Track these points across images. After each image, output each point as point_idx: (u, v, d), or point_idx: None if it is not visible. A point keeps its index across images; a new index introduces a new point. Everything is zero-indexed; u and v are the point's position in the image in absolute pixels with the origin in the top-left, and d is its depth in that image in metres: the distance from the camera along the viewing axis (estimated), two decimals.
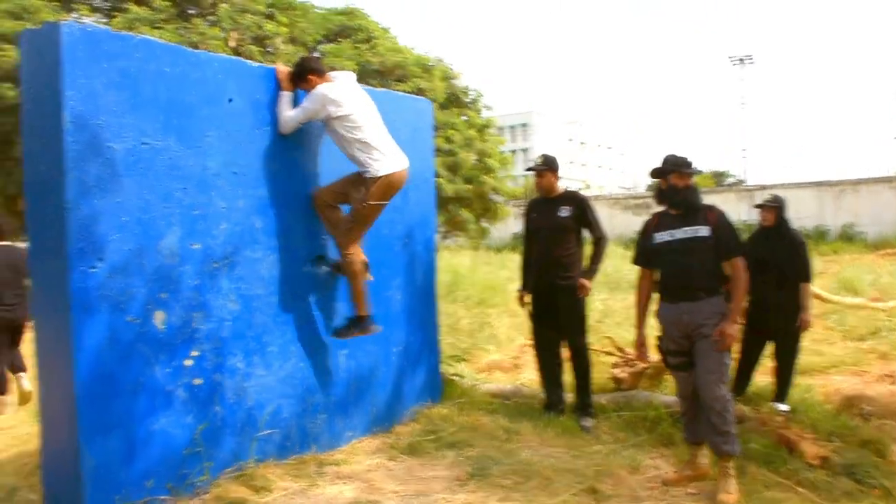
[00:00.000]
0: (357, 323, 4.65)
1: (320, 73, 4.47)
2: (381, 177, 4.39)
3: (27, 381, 6.87)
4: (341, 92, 4.37)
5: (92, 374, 3.45)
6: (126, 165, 3.58)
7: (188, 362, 3.87)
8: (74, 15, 14.66)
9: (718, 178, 62.34)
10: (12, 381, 6.97)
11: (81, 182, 3.40)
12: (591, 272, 5.46)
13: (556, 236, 5.40)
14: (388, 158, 4.46)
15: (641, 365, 5.89)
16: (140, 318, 3.65)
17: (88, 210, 3.43)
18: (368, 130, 4.42)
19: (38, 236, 3.62)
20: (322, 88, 4.34)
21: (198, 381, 3.92)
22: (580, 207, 5.48)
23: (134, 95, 3.62)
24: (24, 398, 6.81)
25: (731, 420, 4.04)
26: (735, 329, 4.17)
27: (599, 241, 5.53)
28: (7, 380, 6.91)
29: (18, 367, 6.99)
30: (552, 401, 5.52)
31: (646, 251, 4.45)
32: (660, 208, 4.50)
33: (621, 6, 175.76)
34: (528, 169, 5.63)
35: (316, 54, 16.87)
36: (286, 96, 4.39)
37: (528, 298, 5.67)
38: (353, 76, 4.74)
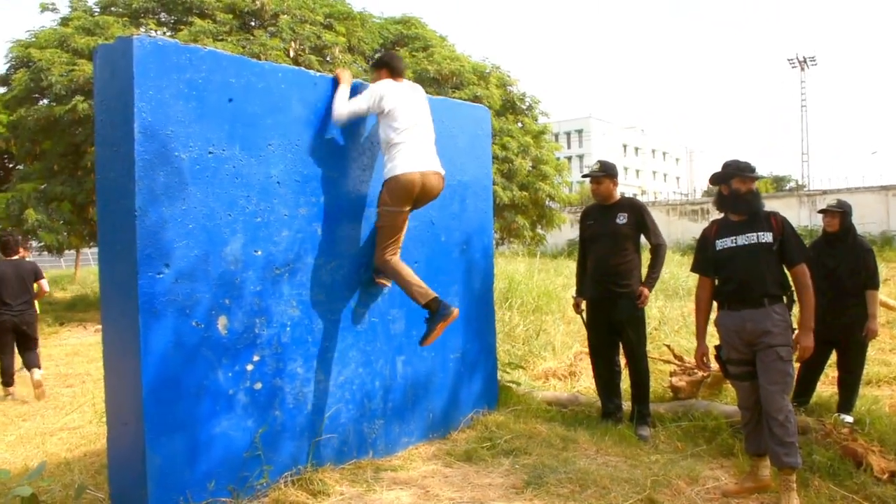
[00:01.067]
0: (433, 316, 4.39)
1: (393, 72, 4.57)
2: (391, 178, 4.33)
3: (39, 374, 7.81)
4: (393, 91, 4.42)
5: (158, 376, 3.54)
6: (192, 174, 3.67)
7: (249, 367, 3.94)
8: (142, 29, 15.10)
9: (778, 182, 60.88)
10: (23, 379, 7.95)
11: (150, 190, 3.50)
12: (650, 280, 5.39)
13: (614, 243, 5.35)
14: (406, 160, 4.31)
15: (700, 373, 5.78)
16: (204, 322, 3.72)
17: (156, 217, 3.53)
18: (404, 133, 4.35)
19: (108, 242, 3.73)
20: (377, 84, 4.44)
21: (258, 386, 3.98)
22: (638, 214, 5.42)
23: (201, 105, 3.71)
24: (38, 391, 7.67)
25: (794, 431, 3.94)
26: (811, 340, 4.07)
27: (658, 249, 5.45)
28: (13, 373, 7.94)
29: (32, 364, 7.92)
30: (609, 409, 5.46)
31: (706, 259, 4.38)
32: (719, 215, 4.43)
33: (678, 10, 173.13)
34: (585, 175, 5.57)
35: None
36: (343, 91, 4.42)
37: (583, 305, 5.62)
38: (421, 90, 4.75)
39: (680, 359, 6.30)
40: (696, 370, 5.92)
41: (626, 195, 5.70)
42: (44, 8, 16.28)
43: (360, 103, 4.38)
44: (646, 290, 5.33)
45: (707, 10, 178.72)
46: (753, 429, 4.19)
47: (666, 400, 5.77)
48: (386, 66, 4.61)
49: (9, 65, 15.84)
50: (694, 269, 4.51)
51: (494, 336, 5.92)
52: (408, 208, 4.42)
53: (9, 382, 7.91)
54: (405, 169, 4.30)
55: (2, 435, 6.09)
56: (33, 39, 15.17)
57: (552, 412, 5.62)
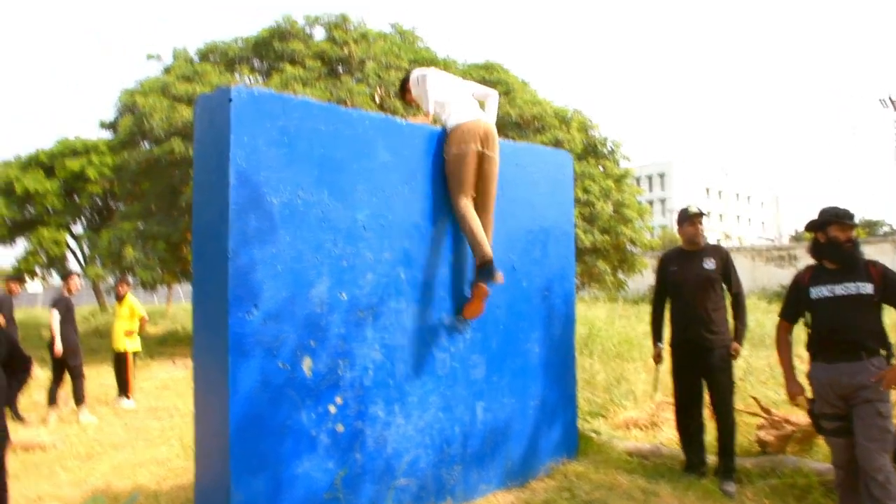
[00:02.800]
0: (482, 271, 4.63)
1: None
2: (454, 126, 4.70)
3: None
4: (427, 70, 5.12)
5: (245, 414, 3.62)
6: (282, 217, 3.79)
7: (332, 408, 3.99)
8: (237, 76, 15.82)
9: (871, 227, 58.27)
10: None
11: (242, 232, 3.63)
12: (740, 334, 5.24)
13: (703, 290, 5.20)
14: (463, 111, 4.78)
15: (789, 427, 5.52)
16: (290, 363, 3.81)
17: (247, 259, 3.65)
18: (445, 93, 4.93)
19: (200, 282, 3.88)
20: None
21: (340, 428, 4.03)
22: (724, 260, 5.29)
23: (291, 151, 3.85)
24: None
25: (895, 493, 3.71)
26: None
27: (739, 297, 5.31)
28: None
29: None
30: (693, 462, 5.27)
31: (797, 305, 4.22)
32: (807, 261, 4.28)
33: (762, 53, 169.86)
34: (696, 214, 5.33)
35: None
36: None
37: (664, 353, 5.49)
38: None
39: (767, 411, 6.03)
40: (783, 424, 5.65)
41: (710, 242, 5.54)
42: (150, 57, 17.30)
43: (421, 96, 5.05)
44: (738, 346, 5.19)
45: (792, 51, 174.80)
46: (848, 489, 3.98)
47: (753, 454, 5.53)
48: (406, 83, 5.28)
49: (117, 111, 16.83)
50: (784, 314, 4.37)
51: (575, 383, 5.83)
52: (474, 146, 4.64)
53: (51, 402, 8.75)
54: (466, 118, 4.72)
55: (97, 464, 6.33)
56: (139, 87, 16.08)
57: (633, 463, 5.47)
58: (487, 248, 4.61)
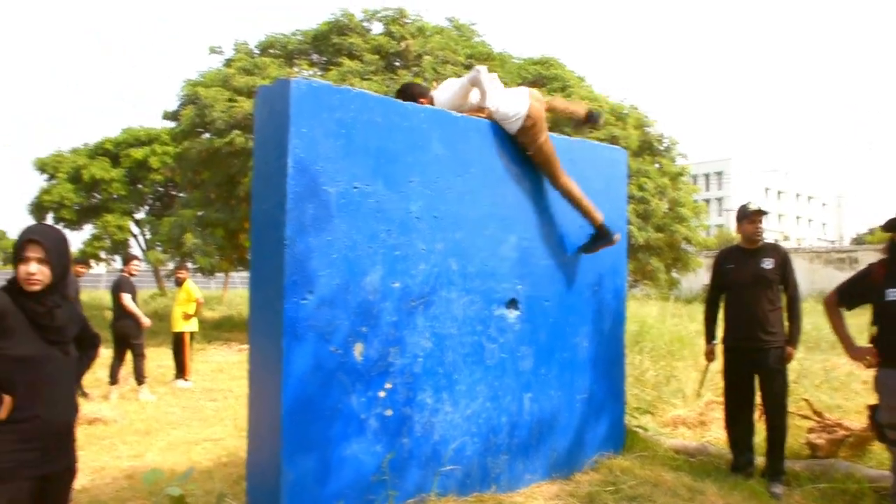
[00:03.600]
0: (598, 236, 5.09)
1: (424, 95, 4.80)
2: (526, 115, 4.67)
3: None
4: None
5: (297, 397, 3.74)
6: (338, 207, 3.89)
7: (381, 394, 4.08)
8: (296, 69, 16.10)
9: None
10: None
11: (299, 221, 3.74)
12: (794, 337, 5.18)
13: (761, 289, 5.14)
14: (519, 98, 4.74)
15: (841, 432, 5.43)
16: (342, 348, 3.91)
17: (303, 246, 3.76)
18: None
19: (258, 268, 4.00)
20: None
21: (389, 413, 4.12)
22: (783, 260, 5.22)
23: (348, 143, 3.95)
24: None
25: None
26: None
27: (795, 300, 5.23)
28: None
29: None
30: (740, 462, 5.22)
31: (861, 297, 4.09)
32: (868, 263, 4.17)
33: (823, 49, 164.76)
34: (748, 213, 5.27)
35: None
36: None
37: (717, 352, 5.44)
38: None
39: (819, 415, 5.93)
40: (836, 428, 5.56)
41: (769, 241, 5.47)
42: (212, 51, 17.75)
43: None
44: (793, 351, 5.13)
45: (855, 47, 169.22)
46: None
47: (802, 457, 5.45)
48: (419, 96, 4.80)
49: (179, 102, 17.32)
50: (842, 297, 4.26)
51: (623, 379, 5.83)
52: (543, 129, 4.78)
53: (113, 381, 9.15)
54: (528, 101, 4.70)
55: (154, 440, 6.58)
56: (201, 79, 16.50)
57: (679, 461, 5.45)
58: (599, 212, 5.05)
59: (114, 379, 9.08)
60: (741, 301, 5.23)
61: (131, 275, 9.57)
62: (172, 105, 18.64)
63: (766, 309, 5.12)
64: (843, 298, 4.20)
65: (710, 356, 5.56)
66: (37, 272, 2.84)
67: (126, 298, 9.14)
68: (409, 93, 4.76)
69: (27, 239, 2.86)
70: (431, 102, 4.72)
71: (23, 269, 2.83)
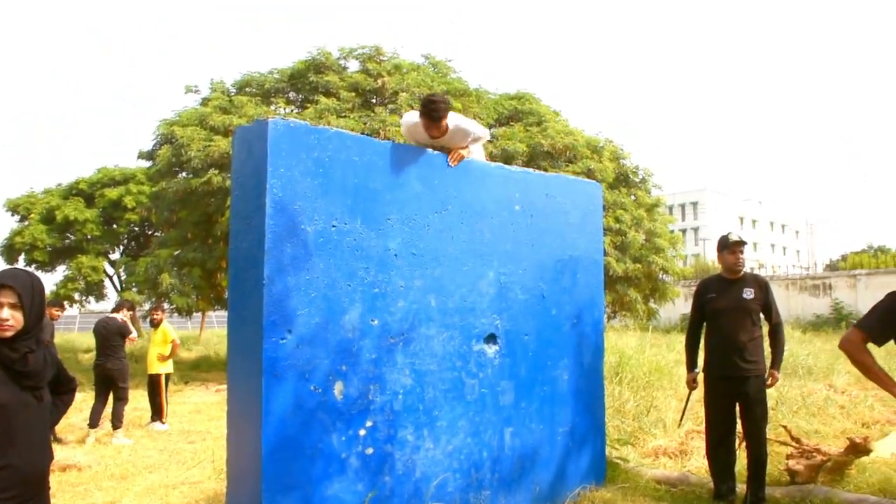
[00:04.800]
0: None
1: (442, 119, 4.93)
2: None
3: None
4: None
5: (277, 436, 3.71)
6: (316, 245, 3.91)
7: (362, 432, 4.07)
8: (273, 107, 16.18)
9: None
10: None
11: (278, 260, 3.75)
12: (777, 362, 5.26)
13: (741, 319, 5.20)
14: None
15: (819, 457, 5.47)
16: (321, 387, 3.90)
17: (282, 286, 3.77)
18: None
19: (236, 307, 3.99)
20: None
21: (370, 451, 4.10)
22: (764, 290, 5.29)
23: (326, 182, 3.98)
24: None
25: None
26: None
27: (778, 328, 5.31)
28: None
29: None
30: (722, 490, 5.24)
31: (890, 329, 3.49)
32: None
33: (793, 78, 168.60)
34: (737, 241, 5.29)
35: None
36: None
37: (698, 379, 5.47)
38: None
39: (798, 441, 5.98)
40: (814, 454, 5.60)
41: (749, 271, 5.55)
42: (188, 90, 17.80)
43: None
44: (776, 374, 5.19)
45: (823, 77, 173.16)
46: None
47: (782, 484, 5.49)
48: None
49: (155, 141, 17.31)
50: (869, 332, 3.52)
51: (604, 411, 5.84)
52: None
53: (93, 425, 8.99)
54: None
55: (130, 484, 6.46)
56: (177, 118, 16.52)
57: (661, 491, 5.46)
58: None
59: (94, 422, 8.95)
60: (722, 330, 5.27)
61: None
62: (148, 145, 18.62)
63: (746, 338, 5.17)
64: (874, 335, 3.73)
65: (691, 385, 5.59)
66: (9, 318, 2.80)
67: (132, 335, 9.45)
68: (436, 111, 4.62)
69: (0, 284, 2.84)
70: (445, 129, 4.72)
71: None
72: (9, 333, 2.81)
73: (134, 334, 9.35)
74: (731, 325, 5.22)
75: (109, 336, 9.18)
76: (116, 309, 9.85)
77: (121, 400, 9.10)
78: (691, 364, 5.59)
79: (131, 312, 9.89)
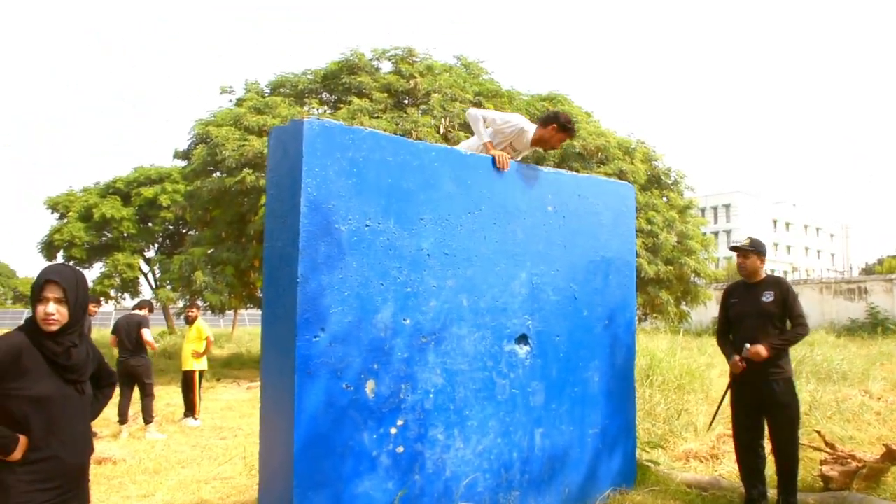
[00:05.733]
0: None
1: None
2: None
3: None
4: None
5: (309, 434, 3.75)
6: (350, 245, 3.95)
7: (393, 430, 4.09)
8: (306, 108, 16.31)
9: None
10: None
11: (312, 259, 3.79)
12: (777, 344, 5.07)
13: (761, 323, 5.14)
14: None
15: (854, 464, 5.38)
16: (353, 385, 3.93)
17: (316, 284, 3.80)
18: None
19: (271, 305, 4.04)
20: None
21: (400, 449, 4.12)
22: (784, 293, 5.20)
23: (360, 182, 4.01)
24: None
25: None
26: None
27: (795, 327, 5.16)
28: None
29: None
30: (753, 496, 5.17)
31: None
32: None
33: (826, 81, 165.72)
34: (733, 248, 5.40)
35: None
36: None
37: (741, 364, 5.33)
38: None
39: (832, 447, 5.89)
40: (848, 460, 5.51)
41: (775, 272, 5.47)
42: (223, 91, 18.02)
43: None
44: (762, 349, 5.02)
45: (859, 79, 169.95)
46: None
47: (816, 490, 5.41)
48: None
49: (191, 141, 17.55)
50: None
51: (634, 413, 5.81)
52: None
53: (123, 421, 9.13)
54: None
55: (164, 479, 6.56)
56: (212, 118, 16.73)
57: (692, 495, 5.41)
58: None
59: (123, 418, 9.10)
60: (744, 335, 5.23)
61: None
62: (183, 144, 18.89)
63: (767, 342, 5.11)
64: None
65: (736, 366, 5.26)
66: (54, 312, 2.88)
67: (147, 333, 9.37)
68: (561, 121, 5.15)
69: (46, 279, 2.91)
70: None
71: (41, 309, 2.87)
72: (54, 327, 2.89)
73: (150, 338, 9.44)
74: (752, 330, 5.17)
75: (131, 331, 9.34)
76: (139, 307, 10.03)
77: (148, 396, 9.26)
78: (730, 353, 5.36)
79: (150, 313, 10.02)
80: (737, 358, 5.33)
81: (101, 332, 28.93)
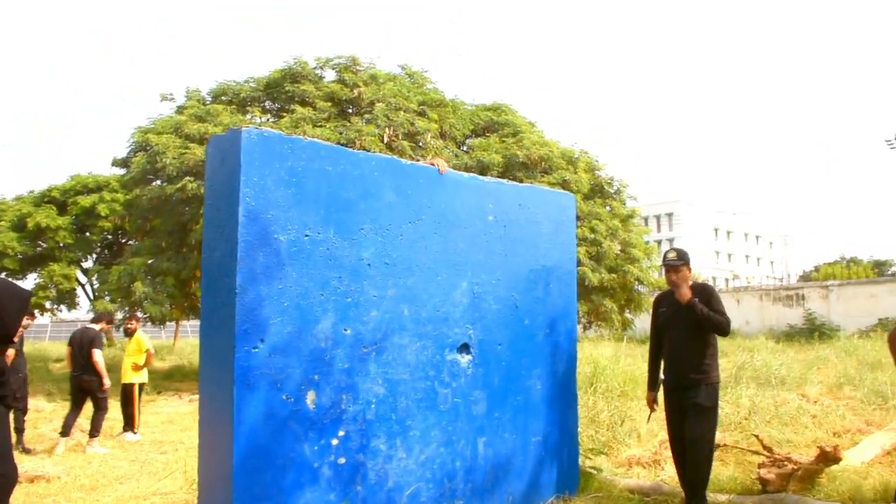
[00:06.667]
0: None
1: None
2: None
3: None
4: None
5: (249, 446, 3.70)
6: (289, 255, 3.91)
7: (334, 441, 4.06)
8: (248, 116, 16.13)
9: (880, 267, 58.15)
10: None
11: (250, 269, 3.75)
12: (703, 309, 5.16)
13: (689, 331, 5.23)
14: None
15: (790, 466, 5.53)
16: (294, 396, 3.89)
17: (255, 295, 3.76)
18: None
19: (209, 316, 3.98)
20: None
21: (342, 461, 4.09)
22: (705, 295, 5.28)
23: (299, 191, 3.99)
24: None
25: None
26: None
27: (722, 316, 5.24)
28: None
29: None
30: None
31: None
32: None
33: (766, 90, 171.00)
34: (664, 264, 5.44)
35: (464, 148, 17.55)
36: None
37: (658, 399, 5.51)
38: None
39: (769, 450, 6.06)
40: (785, 462, 5.68)
41: (714, 280, 5.56)
42: (163, 98, 17.69)
43: None
44: (686, 293, 5.19)
45: (799, 90, 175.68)
46: None
47: (754, 493, 5.55)
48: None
49: (130, 149, 17.17)
50: None
51: (577, 421, 5.88)
52: None
53: (65, 433, 8.90)
54: None
55: (100, 496, 6.38)
56: (152, 126, 16.41)
57: (634, 500, 5.49)
58: None
59: (66, 431, 8.86)
60: (674, 342, 5.34)
61: (105, 330, 9.71)
62: (122, 152, 18.48)
63: (696, 349, 5.22)
64: None
65: (652, 405, 5.61)
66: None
67: (97, 355, 9.08)
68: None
69: (30, 294, 2.87)
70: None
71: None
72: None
73: (100, 360, 9.19)
74: (681, 337, 5.28)
75: (84, 347, 9.09)
76: (96, 320, 9.78)
77: (101, 410, 9.06)
78: (652, 382, 5.59)
79: (110, 325, 9.78)
80: (651, 395, 5.49)
81: (34, 345, 27.97)
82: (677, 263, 5.34)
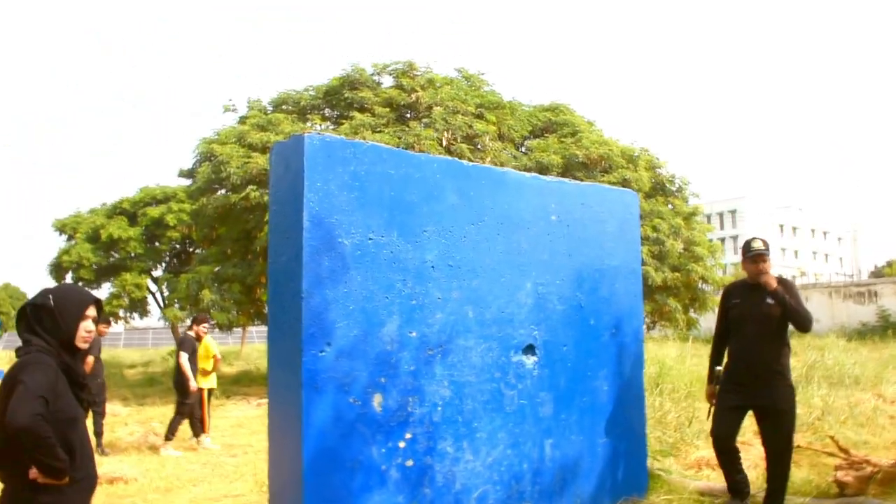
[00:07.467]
0: None
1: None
2: None
3: None
4: None
5: (318, 449, 3.74)
6: (354, 259, 3.95)
7: (402, 444, 4.08)
8: (309, 124, 16.38)
9: None
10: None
11: (316, 273, 3.79)
12: (788, 302, 4.94)
13: (764, 327, 4.97)
14: None
15: (869, 468, 5.32)
16: (361, 399, 3.92)
17: (321, 299, 3.80)
18: None
19: (276, 321, 4.04)
20: None
21: (409, 463, 4.10)
22: (786, 289, 5.00)
23: (362, 195, 4.02)
24: None
25: None
26: None
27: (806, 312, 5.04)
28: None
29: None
30: (736, 480, 5.08)
31: None
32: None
33: (832, 83, 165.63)
34: (750, 253, 5.08)
35: (522, 149, 17.47)
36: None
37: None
38: None
39: (846, 452, 5.84)
40: (863, 465, 5.46)
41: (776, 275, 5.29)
42: (226, 109, 18.12)
43: None
44: (772, 280, 4.96)
45: (865, 80, 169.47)
46: None
47: (831, 496, 5.35)
48: None
49: (195, 160, 17.63)
50: None
51: (644, 422, 5.77)
52: None
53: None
54: None
55: (175, 497, 6.56)
56: (216, 136, 16.82)
57: (704, 503, 5.36)
58: None
59: (171, 434, 9.29)
60: (745, 338, 5.06)
61: (198, 335, 9.95)
62: (188, 163, 19.00)
63: (773, 346, 4.97)
64: None
65: (711, 399, 5.31)
66: (93, 331, 2.96)
67: (183, 357, 9.49)
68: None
69: (92, 299, 2.98)
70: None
71: (84, 326, 2.93)
72: (86, 346, 2.97)
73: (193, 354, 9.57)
74: (753, 333, 5.00)
75: (176, 350, 9.54)
76: (194, 323, 10.22)
77: (179, 415, 9.40)
78: (712, 376, 5.32)
79: (199, 327, 10.03)
80: (710, 388, 5.27)
81: (109, 352, 28.97)
82: (765, 252, 5.07)
